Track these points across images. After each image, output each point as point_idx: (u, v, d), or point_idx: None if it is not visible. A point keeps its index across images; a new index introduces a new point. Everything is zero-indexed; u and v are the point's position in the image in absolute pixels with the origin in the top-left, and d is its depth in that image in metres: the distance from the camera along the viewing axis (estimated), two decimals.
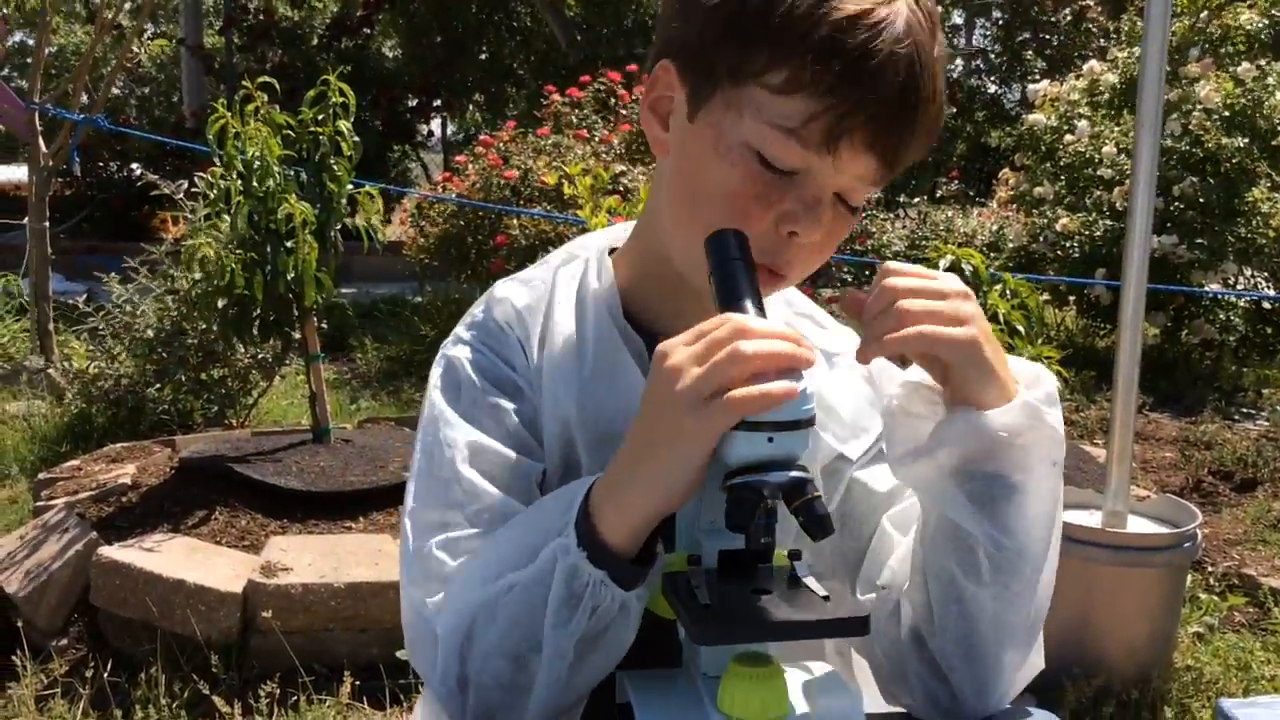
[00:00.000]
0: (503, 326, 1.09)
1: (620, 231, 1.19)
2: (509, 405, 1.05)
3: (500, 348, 1.08)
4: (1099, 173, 6.30)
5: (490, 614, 0.93)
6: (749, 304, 0.92)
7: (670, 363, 0.86)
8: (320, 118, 3.53)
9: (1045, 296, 6.43)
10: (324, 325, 4.12)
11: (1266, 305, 6.62)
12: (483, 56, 11.91)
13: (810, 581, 0.89)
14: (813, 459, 1.10)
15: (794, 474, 0.85)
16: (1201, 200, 5.99)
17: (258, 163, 3.41)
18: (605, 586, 0.90)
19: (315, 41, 11.54)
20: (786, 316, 1.17)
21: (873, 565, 1.10)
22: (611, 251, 1.15)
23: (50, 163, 5.40)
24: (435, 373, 1.09)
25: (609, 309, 1.09)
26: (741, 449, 0.85)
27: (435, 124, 13.81)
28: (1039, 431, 0.95)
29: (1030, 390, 0.97)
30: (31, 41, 5.52)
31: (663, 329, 1.03)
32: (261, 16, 11.44)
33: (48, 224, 5.38)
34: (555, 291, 1.11)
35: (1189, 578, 3.12)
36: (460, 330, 1.11)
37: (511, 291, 1.12)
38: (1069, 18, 12.54)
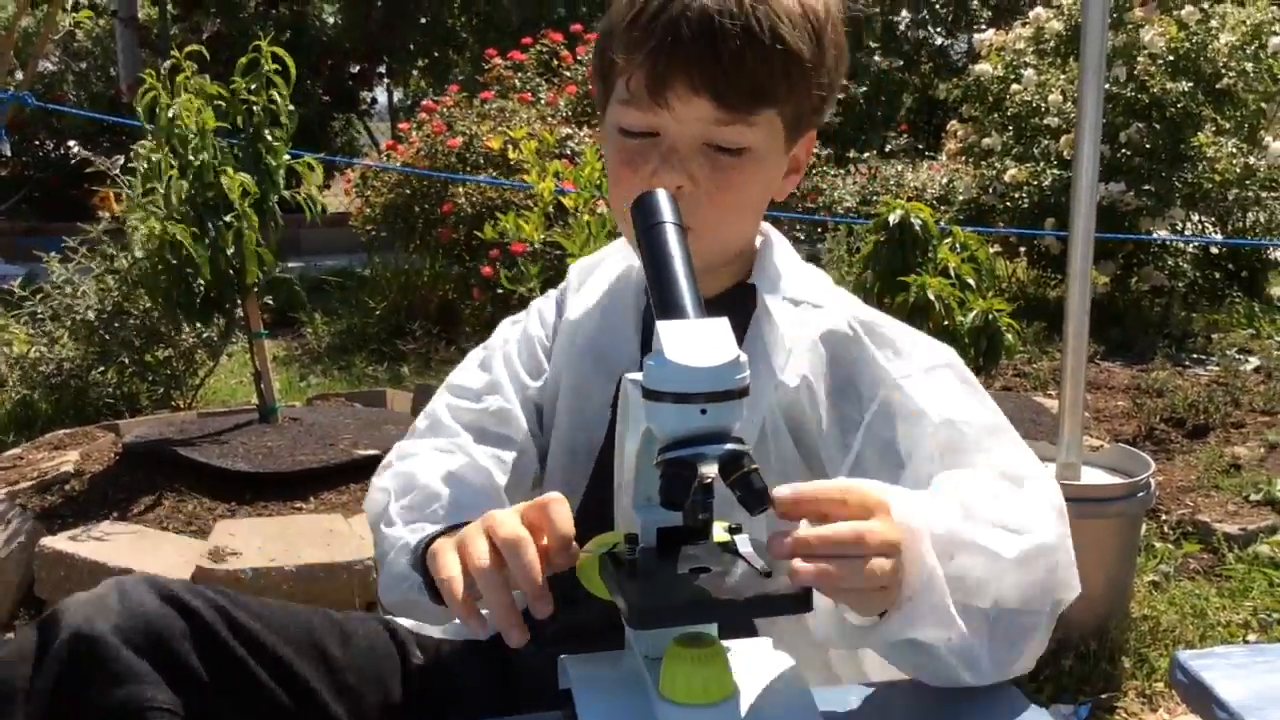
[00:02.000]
0: (561, 293, 1.36)
1: None
2: (542, 354, 1.31)
3: (545, 304, 1.36)
4: (1046, 122, 6.29)
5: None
6: (685, 293, 0.88)
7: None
8: (254, 87, 3.43)
9: (995, 248, 6.44)
10: (271, 301, 4.03)
11: (1214, 250, 6.67)
12: (424, 20, 11.70)
13: (750, 557, 0.85)
14: (751, 424, 1.09)
15: (729, 446, 0.81)
16: (1148, 146, 6.00)
17: (192, 135, 3.31)
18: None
19: (252, 9, 11.29)
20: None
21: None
22: None
23: None
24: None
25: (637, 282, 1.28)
26: (673, 422, 0.82)
27: (381, 92, 13.60)
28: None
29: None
30: None
31: None
32: None
33: None
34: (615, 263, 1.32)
35: (1144, 526, 3.14)
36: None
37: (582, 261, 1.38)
38: None
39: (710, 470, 0.82)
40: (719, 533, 0.89)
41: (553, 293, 1.37)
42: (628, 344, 1.25)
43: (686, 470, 0.81)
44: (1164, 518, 3.45)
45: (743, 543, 0.87)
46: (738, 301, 1.20)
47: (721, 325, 0.85)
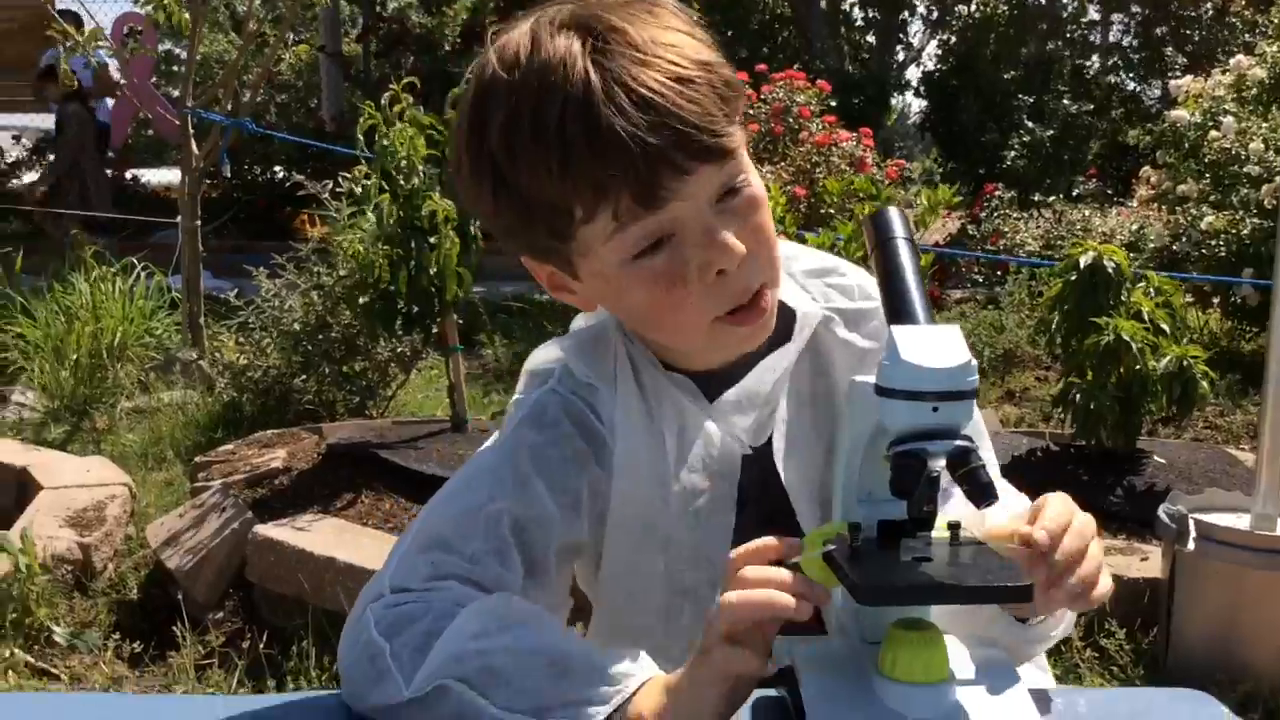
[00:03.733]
0: (590, 381, 1.13)
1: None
2: (586, 459, 1.10)
3: (592, 398, 1.12)
4: (1246, 170, 6.07)
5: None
6: (916, 301, 0.96)
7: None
8: None
9: (1188, 298, 6.23)
10: (459, 321, 4.23)
11: None
12: None
13: (973, 537, 0.91)
14: (979, 431, 1.12)
15: (958, 443, 0.87)
16: None
17: (404, 161, 3.53)
18: None
19: (448, 48, 11.82)
20: (819, 289, 1.17)
21: None
22: None
23: (201, 164, 5.65)
24: (520, 409, 1.14)
25: (652, 363, 1.13)
26: (905, 417, 0.88)
27: None
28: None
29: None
30: (178, 51, 5.79)
31: (683, 365, 1.12)
32: (396, 25, 11.77)
33: (199, 223, 5.64)
34: (616, 350, 1.14)
35: None
36: (546, 383, 1.14)
37: (578, 350, 1.14)
38: (1211, 11, 12.10)
39: (938, 465, 0.88)
40: (939, 529, 0.94)
41: (554, 398, 1.13)
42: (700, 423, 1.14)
43: (916, 462, 0.87)
44: None
45: (963, 537, 0.92)
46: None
47: (952, 331, 0.91)
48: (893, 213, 1.02)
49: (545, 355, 1.18)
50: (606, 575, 1.13)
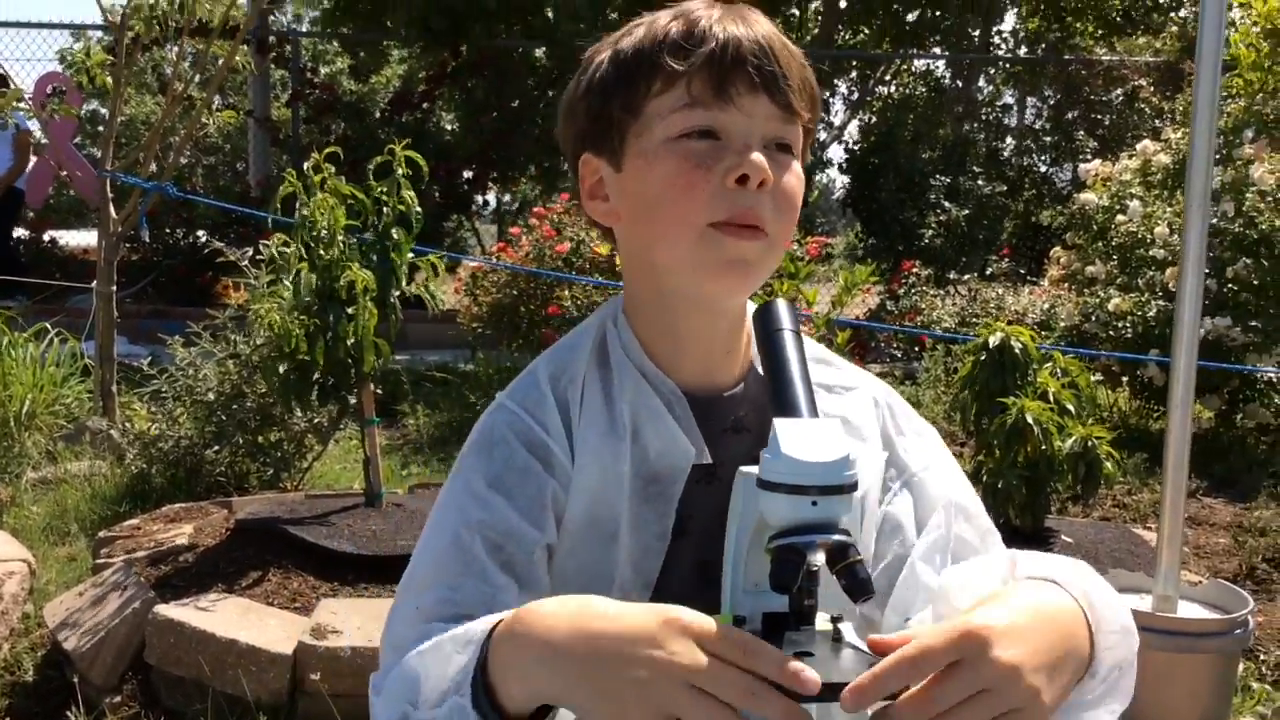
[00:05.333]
0: (540, 388, 1.16)
1: None
2: (539, 469, 1.12)
3: (536, 409, 1.15)
4: (1151, 253, 6.28)
5: None
6: (800, 395, 0.97)
7: (676, 647, 0.86)
8: (385, 188, 3.64)
9: (1098, 377, 6.38)
10: (378, 391, 4.19)
11: None
12: (537, 132, 12.14)
13: (854, 643, 0.91)
14: (857, 523, 1.13)
15: (837, 537, 0.89)
16: (1255, 282, 5.94)
17: (323, 231, 3.51)
18: None
19: (378, 115, 11.84)
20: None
21: (905, 593, 1.12)
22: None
23: (119, 228, 5.57)
24: (472, 435, 1.17)
25: (635, 360, 1.17)
26: (785, 511, 0.89)
27: (491, 195, 14.06)
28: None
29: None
30: (104, 111, 5.74)
31: (672, 368, 1.16)
32: (326, 92, 11.76)
33: (114, 288, 5.54)
34: (589, 355, 1.18)
35: (1241, 666, 3.07)
36: (500, 396, 1.19)
37: (554, 354, 1.20)
38: (1121, 97, 12.57)
39: (817, 559, 0.89)
40: (822, 621, 0.95)
41: (501, 415, 1.16)
42: (674, 431, 1.16)
43: (795, 556, 0.88)
44: (1262, 658, 3.36)
45: (845, 630, 0.93)
46: (759, 392, 1.16)
47: (833, 425, 0.93)
48: (780, 305, 1.05)
49: (537, 360, 1.22)
50: (556, 573, 1.13)
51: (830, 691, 0.86)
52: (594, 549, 1.13)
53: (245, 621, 2.95)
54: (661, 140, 1.10)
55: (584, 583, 1.12)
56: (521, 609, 0.95)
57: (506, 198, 15.48)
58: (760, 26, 1.11)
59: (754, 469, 0.94)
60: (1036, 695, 0.86)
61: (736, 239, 1.08)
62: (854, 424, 1.19)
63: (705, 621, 0.87)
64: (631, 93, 1.12)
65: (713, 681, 0.83)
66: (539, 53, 12.91)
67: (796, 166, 1.13)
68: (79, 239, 11.51)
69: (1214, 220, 5.97)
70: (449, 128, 13.32)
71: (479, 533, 1.08)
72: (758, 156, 1.07)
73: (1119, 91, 12.63)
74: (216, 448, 4.57)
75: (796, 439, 0.91)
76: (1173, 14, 13.85)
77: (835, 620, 0.94)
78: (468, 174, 11.78)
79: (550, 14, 11.94)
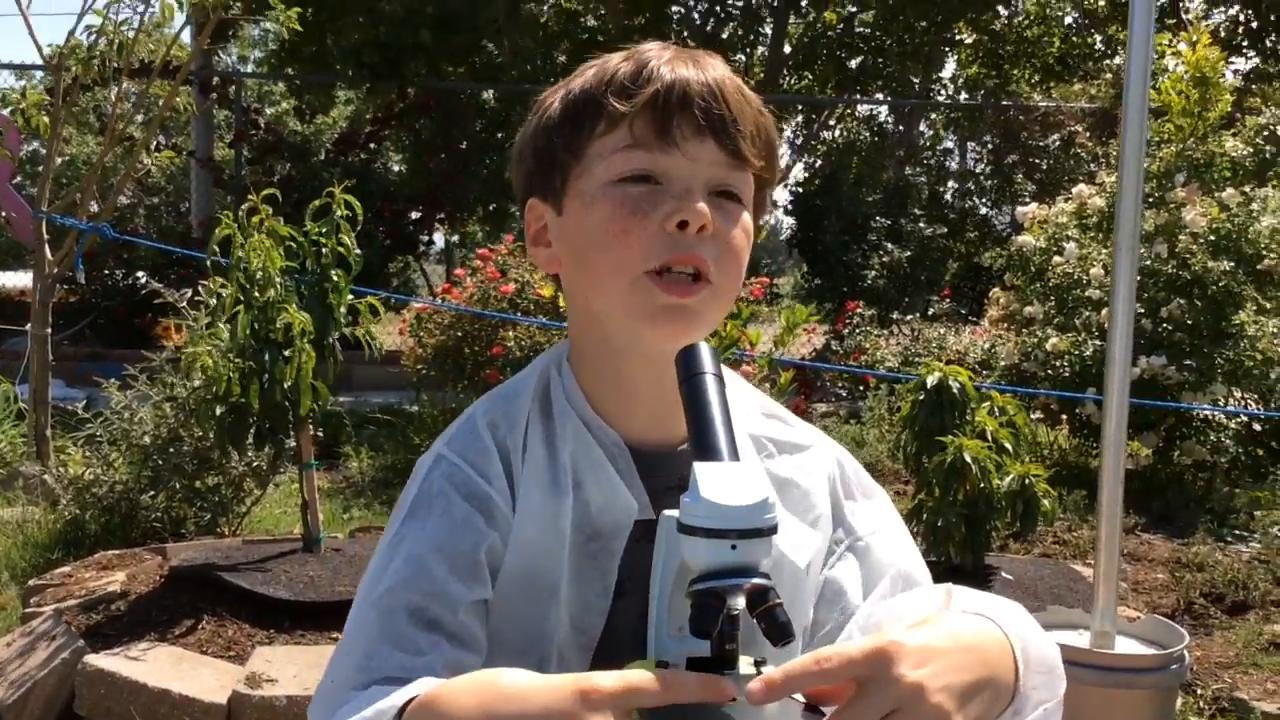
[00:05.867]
0: (481, 437, 1.12)
1: None
2: (479, 522, 1.08)
3: (478, 459, 1.11)
4: (1087, 294, 6.39)
5: None
6: (720, 438, 0.95)
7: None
8: (324, 230, 3.62)
9: (1037, 415, 6.47)
10: (319, 434, 4.15)
11: (1257, 426, 6.65)
12: (485, 172, 12.16)
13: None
14: (776, 566, 1.12)
15: (756, 580, 0.88)
16: (1189, 322, 6.07)
17: (260, 273, 3.48)
18: None
19: (323, 156, 11.81)
20: (754, 419, 1.19)
21: None
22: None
23: (55, 270, 5.49)
24: (410, 486, 1.13)
25: (577, 409, 1.13)
26: (705, 555, 0.88)
27: (438, 235, 14.04)
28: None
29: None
30: (44, 151, 5.67)
31: (620, 419, 1.13)
32: (270, 134, 11.72)
33: (49, 330, 5.45)
34: (531, 403, 1.15)
35: (1179, 700, 3.10)
36: (439, 445, 1.15)
37: (495, 401, 1.16)
38: (1058, 143, 12.84)
39: (738, 603, 0.88)
40: (745, 666, 0.94)
41: (441, 467, 1.12)
42: (615, 482, 1.13)
43: (715, 601, 0.87)
44: (1200, 693, 3.40)
45: (768, 673, 0.92)
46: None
47: (753, 468, 0.92)
48: (702, 348, 1.03)
49: (475, 405, 1.18)
50: (492, 630, 1.09)
51: None
52: (532, 606, 1.09)
53: (178, 671, 2.89)
54: (601, 183, 1.06)
55: (521, 643, 1.09)
56: (431, 692, 0.90)
57: (455, 238, 15.47)
58: (714, 70, 1.08)
59: (675, 512, 0.93)
60: (945, 717, 0.86)
61: (671, 291, 1.04)
62: (802, 487, 1.16)
63: (625, 680, 0.84)
64: (576, 133, 1.09)
65: None
66: (487, 94, 12.98)
67: (745, 217, 1.09)
68: (15, 280, 11.32)
69: (1148, 261, 6.10)
70: (396, 168, 13.32)
71: (402, 596, 1.03)
72: (699, 204, 1.04)
73: (1056, 137, 12.92)
74: (152, 493, 4.49)
75: (716, 482, 0.90)
76: (1107, 61, 14.22)
77: (759, 664, 0.94)
78: (415, 214, 11.78)
79: (493, 50, 11.99)
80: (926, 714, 0.85)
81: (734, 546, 0.88)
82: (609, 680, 0.84)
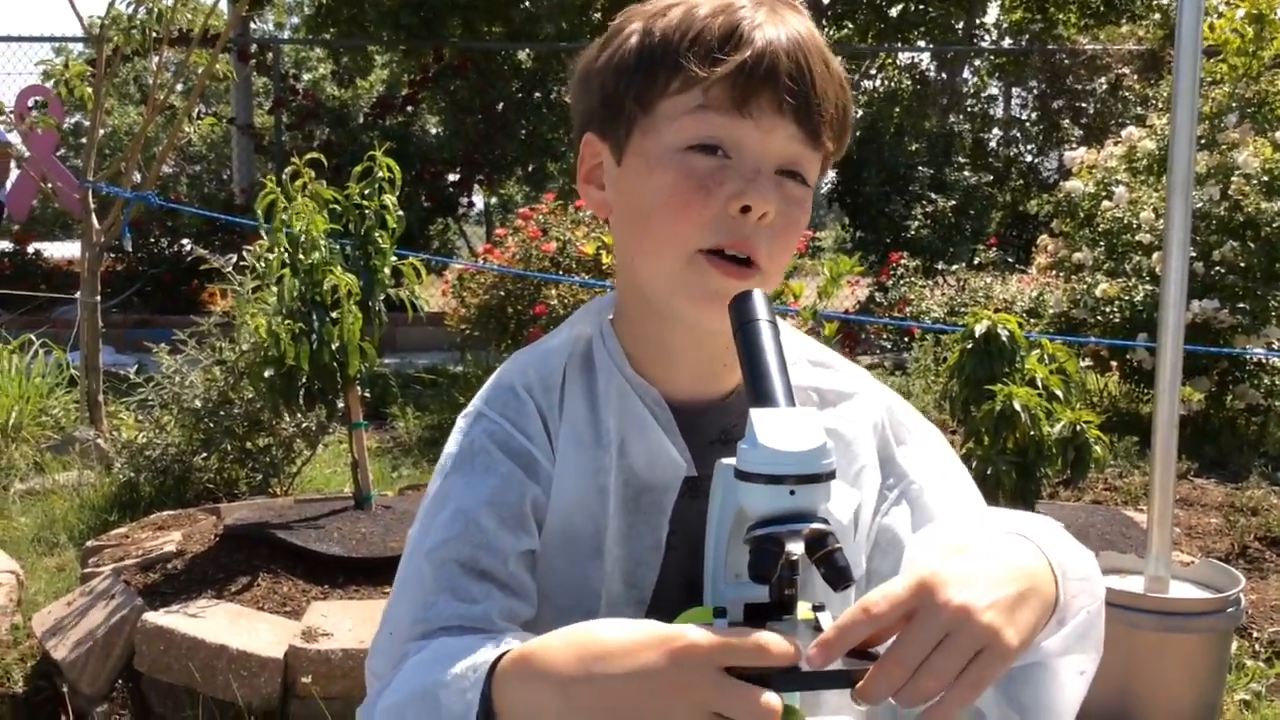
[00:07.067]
0: (519, 396, 1.12)
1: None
2: (520, 475, 1.09)
3: (517, 417, 1.11)
4: (1138, 238, 6.29)
5: None
6: (776, 384, 0.94)
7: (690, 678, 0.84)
8: (366, 192, 3.63)
9: (1087, 362, 6.39)
10: (366, 394, 4.18)
11: None
12: (523, 133, 12.12)
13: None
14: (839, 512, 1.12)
15: (815, 525, 0.87)
16: (1242, 265, 5.95)
17: (304, 236, 3.50)
18: None
19: (361, 120, 11.81)
20: (800, 368, 1.17)
21: None
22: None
23: (102, 239, 5.55)
24: (451, 443, 1.13)
25: (619, 368, 1.13)
26: (763, 501, 0.88)
27: (477, 197, 14.04)
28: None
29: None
30: (88, 123, 5.71)
31: (663, 379, 1.12)
32: (308, 99, 11.74)
33: (99, 298, 5.52)
34: (569, 359, 1.14)
35: (1234, 644, 3.07)
36: (477, 402, 1.15)
37: (528, 360, 1.16)
38: (1105, 86, 12.59)
39: (796, 548, 0.88)
40: (803, 610, 0.94)
41: (481, 424, 1.12)
42: (660, 441, 1.12)
43: (774, 546, 0.87)
44: (1255, 636, 3.37)
45: (825, 620, 0.92)
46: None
47: (810, 414, 0.91)
48: (756, 295, 1.02)
49: (506, 366, 1.18)
50: (537, 579, 1.10)
51: (809, 679, 0.86)
52: (575, 563, 1.10)
53: (235, 627, 2.94)
54: (667, 147, 1.03)
55: (567, 598, 1.09)
56: (526, 647, 0.91)
57: (494, 200, 15.47)
58: (802, 33, 1.03)
59: (733, 460, 0.93)
60: (996, 633, 0.85)
61: (724, 275, 1.03)
62: (845, 438, 1.14)
63: (710, 639, 0.85)
64: (648, 86, 1.04)
65: (730, 707, 0.83)
66: (523, 54, 12.91)
67: (806, 200, 1.06)
68: (64, 250, 11.46)
69: (1200, 204, 5.98)
70: (434, 131, 13.31)
71: (454, 548, 1.05)
72: (765, 189, 1.01)
73: (1103, 80, 12.66)
74: (204, 454, 4.55)
75: (773, 428, 0.89)
76: (1154, 1, 13.89)
77: (816, 609, 0.93)
78: (453, 176, 11.78)
79: (529, 7, 11.90)
80: (979, 633, 0.85)
81: (792, 492, 0.87)
82: (696, 635, 0.85)
